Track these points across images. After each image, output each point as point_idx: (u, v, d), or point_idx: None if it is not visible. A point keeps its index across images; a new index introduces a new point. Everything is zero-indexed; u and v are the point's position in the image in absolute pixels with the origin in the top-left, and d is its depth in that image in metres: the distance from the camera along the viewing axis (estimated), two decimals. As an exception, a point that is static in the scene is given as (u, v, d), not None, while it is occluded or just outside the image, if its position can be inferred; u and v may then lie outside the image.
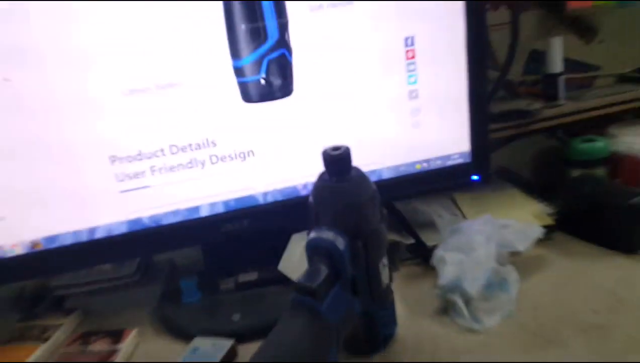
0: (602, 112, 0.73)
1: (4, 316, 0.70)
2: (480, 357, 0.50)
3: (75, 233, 0.60)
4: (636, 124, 0.74)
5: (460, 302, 0.54)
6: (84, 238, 0.60)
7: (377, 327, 0.51)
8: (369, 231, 0.46)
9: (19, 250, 0.60)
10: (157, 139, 0.58)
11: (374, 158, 0.64)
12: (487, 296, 0.57)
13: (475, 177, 0.67)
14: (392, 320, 0.53)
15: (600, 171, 0.73)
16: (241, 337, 0.56)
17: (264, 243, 0.65)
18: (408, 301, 0.60)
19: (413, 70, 0.61)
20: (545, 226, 0.65)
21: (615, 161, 0.73)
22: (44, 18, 0.52)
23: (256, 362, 0.39)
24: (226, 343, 0.55)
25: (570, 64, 0.78)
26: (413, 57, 0.61)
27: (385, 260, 0.49)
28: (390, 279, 0.50)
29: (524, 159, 0.81)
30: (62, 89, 0.54)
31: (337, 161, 0.44)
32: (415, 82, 0.62)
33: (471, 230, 0.61)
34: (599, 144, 0.73)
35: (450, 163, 0.66)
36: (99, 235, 0.60)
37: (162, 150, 0.59)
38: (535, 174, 0.81)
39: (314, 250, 0.45)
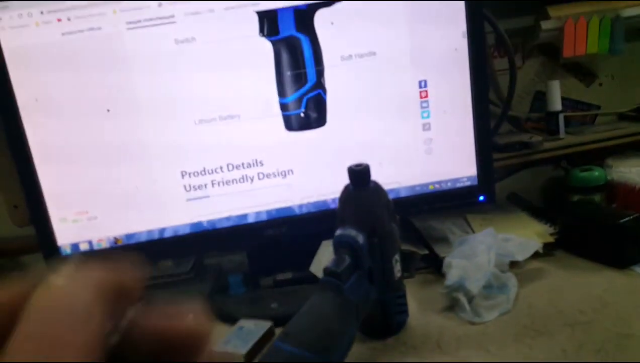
0: (599, 145, 0.84)
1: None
2: (479, 342, 0.60)
3: (149, 231, 0.74)
4: (630, 157, 0.84)
5: (463, 299, 0.65)
6: (156, 236, 0.75)
7: (391, 314, 0.62)
8: (384, 231, 0.58)
9: (104, 245, 0.74)
10: (218, 158, 0.73)
11: (393, 179, 0.76)
12: (487, 296, 0.67)
13: (481, 198, 0.78)
14: (404, 310, 0.64)
15: (597, 197, 0.83)
16: (278, 321, 0.68)
17: (299, 248, 0.78)
18: (420, 300, 0.71)
19: (426, 107, 0.74)
20: (546, 244, 0.76)
21: (610, 188, 0.83)
22: (144, 69, 0.68)
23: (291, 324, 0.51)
24: (266, 324, 0.67)
25: (573, 103, 0.90)
26: (426, 96, 0.74)
27: (397, 257, 0.61)
28: (402, 274, 0.62)
29: (533, 187, 0.92)
30: (150, 132, 0.70)
31: (358, 174, 0.57)
32: (428, 116, 0.75)
33: (475, 241, 0.72)
34: (596, 173, 0.83)
35: (459, 184, 0.78)
36: (167, 234, 0.75)
37: (221, 167, 0.73)
38: (541, 200, 0.91)
39: (339, 244, 0.58)
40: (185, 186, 0.73)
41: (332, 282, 0.54)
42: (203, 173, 0.73)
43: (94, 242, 0.74)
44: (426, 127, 0.75)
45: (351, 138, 0.74)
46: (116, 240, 0.74)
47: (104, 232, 0.74)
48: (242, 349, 0.62)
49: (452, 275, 0.67)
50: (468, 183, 0.78)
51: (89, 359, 0.16)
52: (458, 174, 0.77)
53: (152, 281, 0.84)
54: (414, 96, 0.74)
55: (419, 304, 0.70)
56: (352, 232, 0.57)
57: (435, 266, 0.79)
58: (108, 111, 0.70)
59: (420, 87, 0.74)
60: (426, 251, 0.79)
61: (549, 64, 0.90)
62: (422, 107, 0.74)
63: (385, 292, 0.60)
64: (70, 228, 0.73)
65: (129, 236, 0.74)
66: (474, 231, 0.85)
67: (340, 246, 0.57)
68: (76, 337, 0.16)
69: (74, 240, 0.74)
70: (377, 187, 0.59)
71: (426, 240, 0.81)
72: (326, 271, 0.55)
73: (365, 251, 0.57)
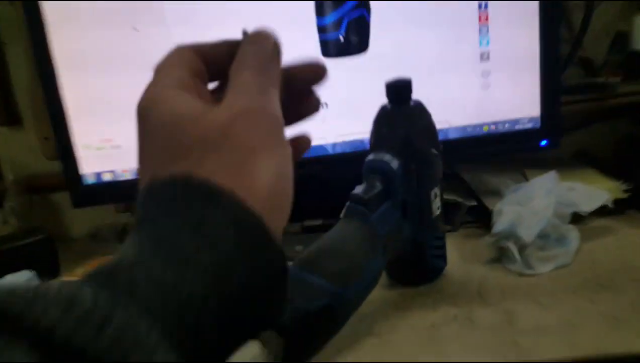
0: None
1: (109, 242, 0.83)
2: (528, 294, 0.51)
3: (173, 164, 0.70)
4: None
5: (513, 248, 0.56)
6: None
7: (425, 256, 0.54)
8: (423, 157, 0.51)
9: (128, 176, 0.71)
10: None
11: (441, 117, 0.68)
12: (543, 246, 0.58)
13: (544, 142, 0.68)
14: (441, 254, 0.56)
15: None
16: (302, 262, 0.62)
17: (331, 192, 0.71)
18: (462, 252, 0.63)
19: (485, 32, 0.65)
20: (617, 200, 0.65)
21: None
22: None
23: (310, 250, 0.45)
24: (289, 264, 0.61)
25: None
26: (486, 20, 0.65)
27: (437, 190, 0.53)
28: (443, 211, 0.54)
29: (605, 143, 0.80)
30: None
31: (397, 88, 0.50)
32: (487, 44, 0.66)
33: (533, 186, 0.62)
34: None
35: (519, 127, 0.68)
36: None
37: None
38: (615, 159, 0.79)
39: (370, 170, 0.51)
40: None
41: (358, 209, 0.47)
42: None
43: (118, 172, 0.71)
44: (484, 56, 0.66)
45: (394, 68, 0.66)
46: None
47: (128, 163, 0.71)
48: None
49: (502, 221, 0.59)
50: (529, 126, 0.68)
51: None
52: (518, 114, 0.68)
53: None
54: (471, 19, 0.65)
55: (461, 255, 0.62)
56: (385, 156, 0.50)
57: (483, 220, 0.70)
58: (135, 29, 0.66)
59: (480, 9, 0.65)
60: (474, 203, 0.70)
61: (633, 3, 0.78)
62: (480, 33, 0.65)
63: (421, 230, 0.53)
64: (94, 156, 0.71)
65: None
66: (532, 186, 0.75)
67: (371, 171, 0.50)
68: None
69: (98, 169, 0.71)
70: (419, 106, 0.52)
71: (474, 191, 0.72)
72: (352, 197, 0.48)
73: (400, 179, 0.50)
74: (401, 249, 0.52)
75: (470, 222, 0.71)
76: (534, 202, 0.58)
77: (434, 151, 0.52)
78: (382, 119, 0.52)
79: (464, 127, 0.68)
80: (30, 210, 0.85)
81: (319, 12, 0.66)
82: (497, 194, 0.72)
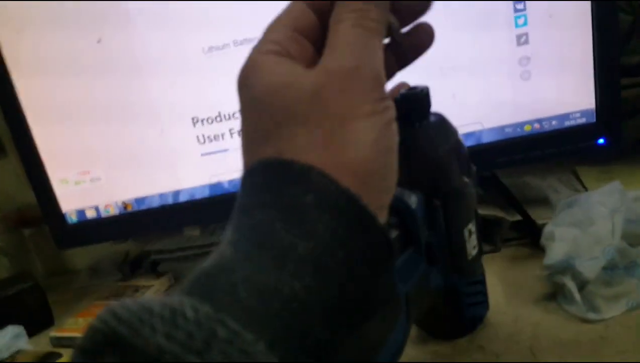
0: None
1: (110, 276, 0.76)
2: (595, 350, 0.41)
3: (162, 195, 0.62)
4: None
5: (571, 286, 0.46)
6: (169, 201, 0.62)
7: (462, 305, 0.44)
8: (450, 189, 0.40)
9: (113, 211, 0.63)
10: (235, 100, 0.58)
11: (472, 118, 0.56)
12: (609, 281, 0.47)
13: (601, 140, 0.56)
14: (481, 300, 0.46)
15: None
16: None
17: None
18: (508, 285, 0.52)
19: (522, 9, 0.53)
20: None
21: None
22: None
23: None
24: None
25: None
26: (521, -6, 0.53)
27: (472, 226, 0.42)
28: (480, 250, 0.43)
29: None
30: (147, 50, 0.56)
31: (412, 101, 0.39)
32: (524, 23, 0.53)
33: (591, 202, 0.51)
34: None
35: (569, 123, 0.56)
36: (182, 198, 0.62)
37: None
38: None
39: (391, 212, 0.40)
40: (198, 138, 0.59)
41: None
42: (219, 118, 0.59)
43: (101, 208, 0.63)
44: (522, 39, 0.54)
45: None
46: (125, 205, 0.63)
47: (111, 196, 0.63)
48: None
49: (556, 251, 0.48)
50: (582, 120, 0.56)
51: None
52: (567, 108, 0.56)
53: (178, 253, 0.72)
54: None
55: (507, 291, 0.51)
56: (400, 192, 0.39)
57: (531, 236, 0.59)
58: (99, 42, 0.57)
59: (512, -19, 0.52)
60: (518, 217, 0.59)
61: None
62: (516, 10, 0.53)
63: (453, 277, 0.42)
64: (73, 191, 0.63)
65: (139, 200, 0.63)
66: (585, 187, 0.63)
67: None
68: None
69: (79, 206, 0.64)
70: (441, 122, 0.40)
71: (518, 202, 0.61)
72: None
73: (421, 219, 0.39)
74: (431, 303, 0.42)
75: (515, 239, 0.60)
76: (595, 226, 0.47)
77: (464, 178, 0.41)
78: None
79: (501, 128, 0.57)
80: (22, 247, 0.79)
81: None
82: (545, 202, 0.61)
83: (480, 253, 0.43)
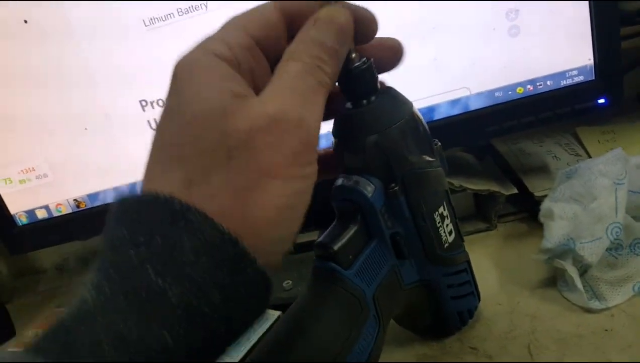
0: None
1: (79, 276, 0.73)
2: (598, 347, 0.38)
3: (117, 189, 0.58)
4: None
5: (572, 271, 0.42)
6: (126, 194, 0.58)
7: (443, 300, 0.40)
8: (407, 171, 0.35)
9: (65, 209, 0.59)
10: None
11: (457, 83, 0.52)
12: (614, 263, 0.43)
13: (601, 100, 0.52)
14: (467, 292, 0.42)
15: None
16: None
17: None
18: (503, 269, 0.49)
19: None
20: None
21: None
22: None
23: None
24: (273, 314, 0.49)
25: None
26: None
27: (444, 209, 0.38)
28: (459, 234, 0.39)
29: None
30: (81, 21, 0.51)
31: (352, 79, 0.33)
32: (509, -32, 0.48)
33: (592, 172, 0.47)
34: None
35: (565, 82, 0.52)
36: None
37: (195, 90, 0.53)
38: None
39: (338, 203, 0.36)
40: (149, 122, 0.55)
41: (327, 268, 0.34)
42: (171, 101, 0.54)
43: (52, 207, 0.59)
44: (505, -11, 0.49)
45: (385, 20, 0.50)
46: (78, 202, 0.59)
47: (61, 194, 0.59)
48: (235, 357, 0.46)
49: (554, 232, 0.44)
50: (580, 78, 0.51)
51: None
52: (563, 65, 0.51)
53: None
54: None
55: (501, 276, 0.48)
56: (354, 181, 0.35)
57: (529, 211, 0.55)
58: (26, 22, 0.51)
59: None
60: (514, 190, 0.55)
61: None
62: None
63: (429, 269, 0.38)
64: (20, 191, 0.59)
65: (92, 196, 0.59)
66: (589, 154, 0.59)
67: (342, 206, 0.36)
68: None
69: (28, 206, 0.60)
70: (391, 97, 0.35)
71: (514, 172, 0.57)
72: (316, 250, 0.35)
73: (382, 208, 0.35)
74: (407, 300, 0.39)
75: (511, 214, 0.56)
76: (597, 201, 0.43)
77: (425, 157, 0.36)
78: (342, 128, 0.36)
79: (490, 93, 0.52)
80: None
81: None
82: (544, 170, 0.57)
83: (460, 237, 0.39)
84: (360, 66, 0.31)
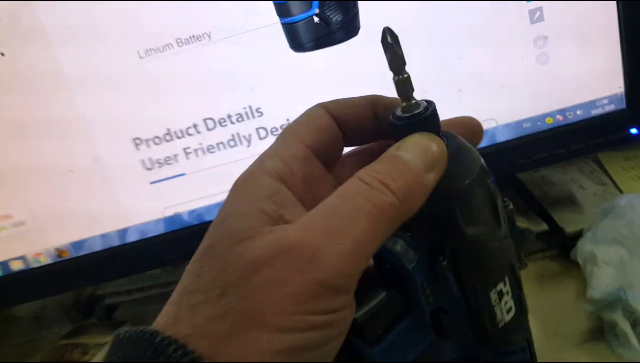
0: None
1: (57, 325, 0.68)
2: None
3: (104, 236, 0.53)
4: None
5: (625, 324, 0.39)
6: (115, 242, 0.53)
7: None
8: (466, 241, 0.29)
9: (45, 260, 0.54)
10: (187, 112, 0.49)
11: (483, 114, 0.49)
12: (670, 313, 0.41)
13: (634, 130, 0.49)
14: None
15: None
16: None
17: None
18: (542, 318, 0.46)
19: (535, -24, 0.45)
20: None
21: None
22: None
23: None
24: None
25: None
26: (534, -41, 0.45)
27: (504, 285, 0.32)
28: (522, 309, 0.35)
29: None
30: (68, 61, 0.46)
31: (409, 126, 0.28)
32: (539, -5, 0.46)
33: (635, 212, 0.44)
34: None
35: (595, 111, 0.49)
36: (131, 237, 0.53)
37: (195, 126, 0.49)
38: None
39: (377, 261, 0.31)
40: (144, 162, 0.50)
41: (346, 342, 0.29)
42: (168, 137, 0.49)
43: (30, 258, 0.54)
44: (536, 15, 0.46)
45: (405, 48, 0.46)
46: (59, 252, 0.53)
47: (41, 242, 0.53)
48: None
49: (601, 279, 0.41)
50: (610, 107, 0.49)
51: None
52: (593, 94, 0.49)
53: (138, 294, 0.64)
54: (510, -38, 0.45)
55: (541, 326, 0.45)
56: (399, 244, 0.29)
57: (559, 247, 0.53)
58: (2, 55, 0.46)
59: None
60: (544, 226, 0.52)
61: None
62: (526, -20, 0.45)
63: (478, 348, 0.34)
64: (-6, 239, 0.53)
65: (76, 245, 0.53)
66: (615, 183, 0.57)
67: (379, 266, 0.31)
68: None
69: (1, 257, 0.54)
70: (457, 147, 0.30)
71: (542, 206, 0.54)
72: None
73: (424, 281, 0.30)
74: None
75: (539, 251, 0.54)
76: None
77: (488, 227, 0.30)
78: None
79: (518, 123, 0.49)
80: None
81: (276, -17, 0.45)
82: (570, 201, 0.55)
83: (521, 313, 0.35)
84: (422, 112, 0.25)
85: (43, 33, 0.46)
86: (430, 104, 0.25)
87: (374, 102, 0.24)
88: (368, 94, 0.25)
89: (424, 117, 0.24)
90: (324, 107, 0.24)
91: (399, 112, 0.24)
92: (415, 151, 0.21)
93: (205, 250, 0.20)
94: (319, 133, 0.23)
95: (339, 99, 0.25)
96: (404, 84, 0.23)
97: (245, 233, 0.19)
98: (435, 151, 0.21)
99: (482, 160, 0.27)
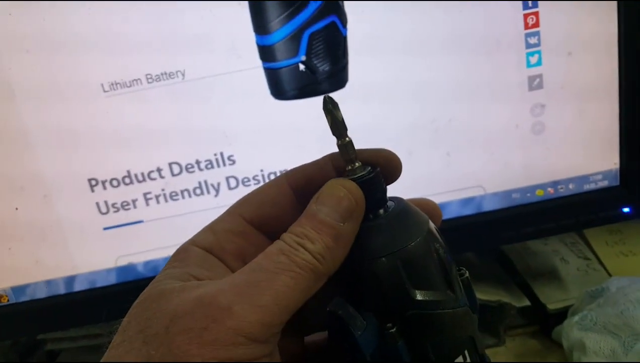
0: None
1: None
2: None
3: (49, 282, 0.46)
4: None
5: None
6: (61, 290, 0.46)
7: None
8: (414, 307, 0.26)
9: (-18, 302, 0.47)
10: (151, 154, 0.43)
11: (471, 180, 0.45)
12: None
13: (626, 209, 0.46)
14: None
15: None
16: None
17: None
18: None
19: (535, 44, 0.42)
20: None
21: None
22: None
23: None
24: None
25: None
26: (536, 24, 0.41)
27: (463, 360, 0.29)
28: None
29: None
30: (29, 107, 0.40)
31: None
32: (538, 62, 0.42)
33: (628, 299, 0.40)
34: None
35: (588, 186, 0.46)
36: (79, 286, 0.46)
37: (159, 169, 0.43)
38: None
39: (327, 328, 0.27)
40: (98, 205, 0.44)
41: None
42: (128, 180, 0.44)
43: (-38, 299, 0.47)
44: (535, 82, 0.43)
45: (393, 108, 0.42)
46: (-3, 296, 0.47)
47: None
48: None
49: (591, 373, 0.37)
50: (604, 183, 0.46)
51: None
52: (587, 168, 0.45)
53: (83, 341, 0.57)
54: (514, 24, 0.41)
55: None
56: (346, 310, 0.25)
57: (539, 323, 0.49)
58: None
59: (526, 8, 0.41)
60: (526, 301, 0.48)
61: None
62: (528, 44, 0.42)
63: None
64: None
65: (17, 290, 0.46)
66: (599, 258, 0.53)
67: (331, 335, 0.27)
68: None
69: None
70: (401, 210, 0.26)
71: (524, 279, 0.50)
72: None
73: (374, 351, 0.26)
74: None
75: (519, 327, 0.49)
76: (639, 335, 0.36)
77: (439, 294, 0.27)
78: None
79: (507, 193, 0.45)
80: None
81: (260, 26, 0.41)
82: (552, 275, 0.51)
83: None
84: (365, 175, 0.24)
85: (-5, 56, 0.40)
86: (374, 167, 0.25)
87: (332, 159, 0.24)
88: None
89: (366, 180, 0.23)
90: (285, 175, 0.24)
91: (345, 176, 0.24)
92: (330, 202, 0.22)
93: (134, 307, 0.20)
94: (263, 208, 0.24)
95: (302, 165, 0.24)
96: (346, 147, 0.23)
97: (170, 290, 0.20)
98: (349, 201, 0.22)
99: (431, 225, 0.26)
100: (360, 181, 0.24)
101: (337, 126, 0.24)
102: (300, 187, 0.24)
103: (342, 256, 0.22)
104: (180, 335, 0.19)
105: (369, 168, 0.24)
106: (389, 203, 0.25)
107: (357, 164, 0.24)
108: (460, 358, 0.27)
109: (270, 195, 0.24)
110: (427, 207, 0.25)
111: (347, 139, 0.24)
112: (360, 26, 0.41)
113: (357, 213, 0.22)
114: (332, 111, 0.24)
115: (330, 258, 0.22)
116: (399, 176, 0.25)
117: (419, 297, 0.25)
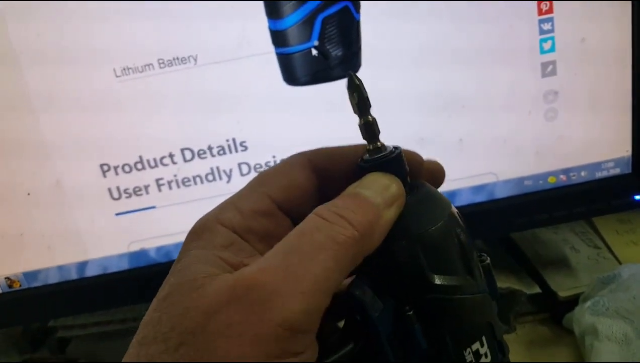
0: None
1: (4, 357, 0.59)
2: None
3: (61, 268, 0.46)
4: None
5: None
6: (73, 275, 0.46)
7: None
8: (433, 291, 0.25)
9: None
10: (163, 140, 0.43)
11: (484, 167, 0.44)
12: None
13: (638, 197, 0.45)
14: None
15: None
16: None
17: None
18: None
19: (549, 30, 0.41)
20: None
21: None
22: None
23: None
24: None
25: None
26: (550, 11, 0.41)
27: (481, 346, 0.28)
28: None
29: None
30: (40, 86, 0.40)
31: (375, 168, 0.24)
32: (551, 49, 0.41)
33: (636, 281, 0.40)
34: None
35: (600, 174, 0.45)
36: (90, 271, 0.46)
37: (171, 155, 0.43)
38: None
39: (349, 314, 0.27)
40: (110, 191, 0.43)
41: None
42: (140, 165, 0.43)
43: (-26, 286, 0.46)
44: (548, 69, 0.42)
45: (406, 93, 0.42)
46: (10, 281, 0.46)
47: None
48: None
49: (604, 357, 0.37)
50: (616, 171, 0.45)
51: None
52: (599, 155, 0.45)
53: (94, 328, 0.56)
54: (527, 9, 0.40)
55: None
56: (365, 292, 0.25)
57: (550, 311, 0.48)
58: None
59: (540, -6, 0.40)
60: (536, 288, 0.47)
61: None
62: (541, 30, 0.41)
63: None
64: None
65: (29, 275, 0.46)
66: (608, 246, 0.53)
67: (348, 316, 0.26)
68: None
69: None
70: (425, 194, 0.26)
71: (534, 268, 0.50)
72: None
73: (390, 333, 0.25)
74: None
75: (529, 314, 0.49)
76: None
77: (458, 279, 0.26)
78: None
79: (519, 181, 0.45)
80: None
81: (273, 10, 0.40)
82: (563, 263, 0.50)
83: None
84: (388, 155, 0.23)
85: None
86: (396, 148, 0.23)
87: (355, 148, 0.23)
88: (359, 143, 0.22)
89: (389, 159, 0.22)
90: (308, 157, 0.22)
91: (365, 156, 0.23)
92: (374, 187, 0.21)
93: (163, 298, 0.18)
94: (290, 190, 0.22)
95: (326, 148, 0.23)
96: (370, 126, 0.22)
97: (202, 280, 0.18)
98: (394, 188, 0.21)
99: (453, 209, 0.25)
100: (384, 160, 0.23)
101: (364, 102, 0.23)
102: (322, 170, 0.23)
103: (379, 241, 0.21)
104: (219, 334, 0.17)
105: (392, 147, 0.23)
106: (411, 185, 0.24)
107: (379, 143, 0.23)
108: (477, 344, 0.27)
109: (297, 178, 0.22)
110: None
111: (371, 118, 0.23)
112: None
113: (399, 202, 0.21)
114: (359, 87, 0.23)
115: (370, 237, 0.20)
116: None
117: (438, 282, 0.24)
